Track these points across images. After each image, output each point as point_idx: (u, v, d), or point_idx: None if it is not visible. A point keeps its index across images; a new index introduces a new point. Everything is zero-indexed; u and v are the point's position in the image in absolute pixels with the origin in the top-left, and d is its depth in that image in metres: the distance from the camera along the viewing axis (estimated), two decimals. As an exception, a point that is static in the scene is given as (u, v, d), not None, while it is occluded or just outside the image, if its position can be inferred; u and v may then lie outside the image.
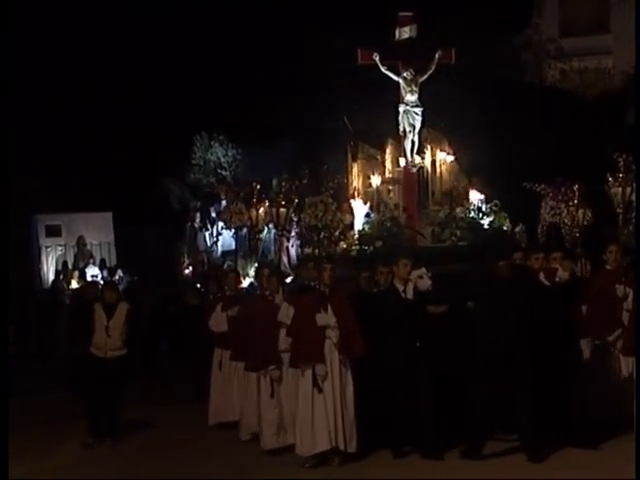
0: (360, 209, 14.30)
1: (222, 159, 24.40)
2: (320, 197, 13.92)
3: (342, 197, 15.69)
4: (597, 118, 20.47)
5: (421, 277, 9.45)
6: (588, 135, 19.05)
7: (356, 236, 13.77)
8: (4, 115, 11.38)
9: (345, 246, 13.69)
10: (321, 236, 13.69)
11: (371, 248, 13.22)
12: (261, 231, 17.81)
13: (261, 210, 16.16)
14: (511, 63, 25.32)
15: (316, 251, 13.53)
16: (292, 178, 17.63)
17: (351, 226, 14.21)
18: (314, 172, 17.30)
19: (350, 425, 9.12)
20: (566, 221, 14.42)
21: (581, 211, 14.31)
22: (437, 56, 14.08)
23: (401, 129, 14.22)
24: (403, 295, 9.46)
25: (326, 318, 9.16)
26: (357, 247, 13.48)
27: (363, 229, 13.86)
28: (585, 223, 14.32)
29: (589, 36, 27.42)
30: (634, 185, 13.78)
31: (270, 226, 18.74)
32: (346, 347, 9.14)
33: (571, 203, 14.27)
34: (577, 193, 14.25)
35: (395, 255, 10.00)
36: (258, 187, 14.23)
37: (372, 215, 13.95)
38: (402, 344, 9.25)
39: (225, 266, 20.20)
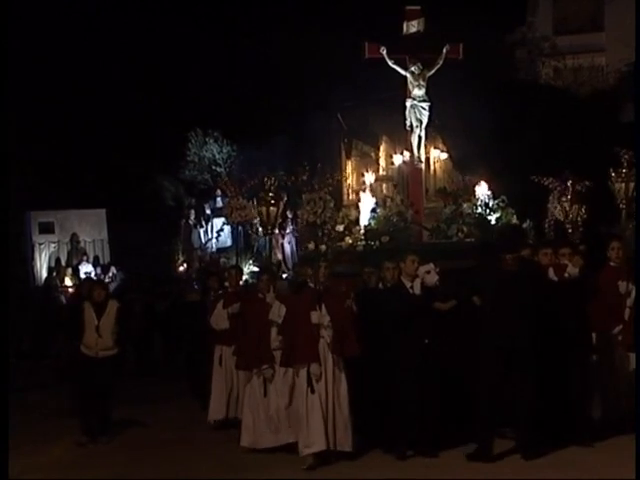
0: (366, 204, 14.23)
1: (217, 156, 24.37)
2: (318, 194, 13.84)
3: (338, 194, 15.64)
4: (591, 115, 20.49)
5: (428, 272, 9.38)
6: (582, 132, 19.06)
7: (362, 231, 13.69)
8: (4, 114, 11.27)
9: (351, 241, 13.61)
10: (320, 233, 13.61)
11: (377, 243, 13.15)
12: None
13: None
14: (505, 61, 25.33)
15: (319, 247, 13.43)
16: (285, 175, 17.56)
17: (357, 221, 14.14)
18: (310, 169, 17.30)
19: (345, 424, 9.04)
20: (559, 217, 14.38)
21: (575, 206, 14.27)
22: (445, 51, 14.01)
23: (408, 124, 14.17)
24: (411, 291, 9.40)
25: (320, 317, 9.09)
26: (363, 242, 13.41)
27: (369, 224, 13.79)
28: (579, 219, 14.28)
29: (583, 34, 27.55)
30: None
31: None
32: (339, 346, 9.06)
33: (564, 199, 14.24)
34: (571, 189, 14.21)
35: (402, 250, 9.93)
36: (269, 183, 14.03)
37: (378, 210, 13.87)
38: (410, 341, 9.17)
39: (220, 263, 20.20)
